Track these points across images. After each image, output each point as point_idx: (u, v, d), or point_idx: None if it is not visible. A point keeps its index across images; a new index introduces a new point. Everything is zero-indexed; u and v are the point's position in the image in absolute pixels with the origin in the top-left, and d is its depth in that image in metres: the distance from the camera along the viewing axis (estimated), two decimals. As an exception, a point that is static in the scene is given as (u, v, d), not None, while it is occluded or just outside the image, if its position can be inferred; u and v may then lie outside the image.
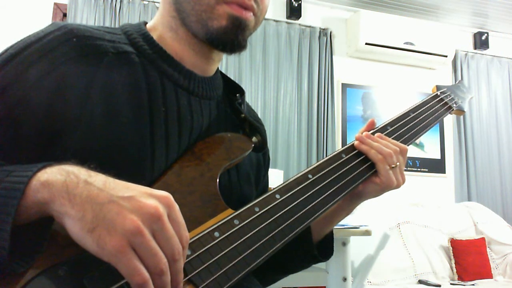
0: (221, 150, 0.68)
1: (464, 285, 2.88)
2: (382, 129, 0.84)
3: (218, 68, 0.78)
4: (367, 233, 1.66)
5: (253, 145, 0.73)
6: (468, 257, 3.04)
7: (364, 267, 2.68)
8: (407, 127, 0.87)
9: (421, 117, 0.90)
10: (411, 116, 0.89)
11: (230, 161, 0.68)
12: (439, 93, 0.99)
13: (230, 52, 0.69)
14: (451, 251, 3.08)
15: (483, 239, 3.17)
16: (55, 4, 3.11)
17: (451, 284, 2.91)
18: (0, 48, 0.62)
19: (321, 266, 1.63)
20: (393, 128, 0.85)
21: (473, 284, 2.90)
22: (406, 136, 0.86)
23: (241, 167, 0.76)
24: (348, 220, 1.47)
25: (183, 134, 0.66)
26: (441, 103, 0.97)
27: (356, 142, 0.79)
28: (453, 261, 3.05)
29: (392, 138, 0.81)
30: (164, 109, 0.65)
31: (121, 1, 3.15)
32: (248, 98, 0.80)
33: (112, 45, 0.64)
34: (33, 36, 0.61)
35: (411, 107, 0.92)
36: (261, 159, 0.84)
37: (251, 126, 0.77)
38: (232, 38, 0.66)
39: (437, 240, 3.15)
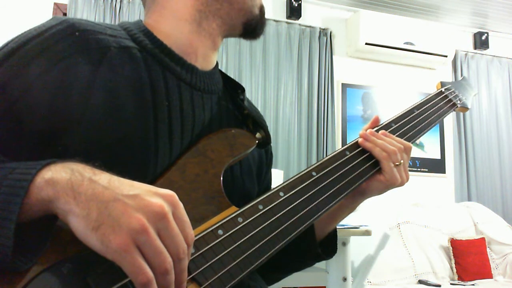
0: (225, 147, 0.68)
1: (464, 285, 2.88)
2: (386, 126, 0.83)
3: (217, 62, 0.78)
4: (367, 233, 1.65)
5: (257, 141, 0.73)
6: (468, 257, 3.04)
7: (364, 267, 2.67)
8: (411, 124, 0.86)
9: (425, 114, 0.89)
10: (415, 113, 0.88)
11: (234, 157, 0.67)
12: (443, 90, 0.98)
13: (258, 36, 0.79)
14: (451, 251, 3.08)
15: (483, 239, 3.17)
16: (55, 4, 3.10)
17: (451, 284, 2.91)
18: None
19: (321, 266, 1.62)
20: (397, 125, 0.84)
21: (473, 284, 2.90)
22: (411, 133, 0.85)
23: (244, 162, 0.75)
24: (348, 220, 1.47)
25: (185, 129, 0.66)
26: (446, 100, 0.96)
27: (360, 140, 0.78)
28: (453, 261, 3.05)
29: (396, 136, 0.81)
30: (167, 104, 0.64)
31: (121, 1, 3.15)
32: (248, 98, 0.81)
33: (114, 39, 0.63)
34: (34, 30, 0.59)
35: (416, 104, 0.91)
36: (263, 155, 0.84)
37: (255, 122, 0.76)
38: (263, 23, 0.78)
39: (437, 240, 3.15)
